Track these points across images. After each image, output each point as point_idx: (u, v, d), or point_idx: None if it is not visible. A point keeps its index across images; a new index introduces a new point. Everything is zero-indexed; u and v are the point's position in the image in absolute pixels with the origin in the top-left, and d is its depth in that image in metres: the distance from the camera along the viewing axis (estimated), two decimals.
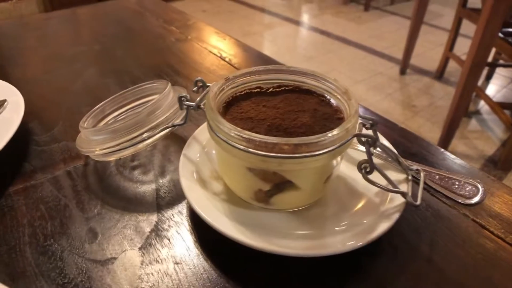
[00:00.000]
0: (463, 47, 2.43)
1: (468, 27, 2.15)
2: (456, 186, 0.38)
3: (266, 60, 0.77)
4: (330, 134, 0.31)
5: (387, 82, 2.50)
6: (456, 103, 1.78)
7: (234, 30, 3.08)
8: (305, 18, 3.62)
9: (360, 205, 0.38)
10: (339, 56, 2.83)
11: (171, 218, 0.40)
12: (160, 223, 0.39)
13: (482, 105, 2.25)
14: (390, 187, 0.35)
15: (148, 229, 0.39)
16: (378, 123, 0.35)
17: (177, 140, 0.51)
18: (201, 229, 0.38)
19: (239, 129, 0.31)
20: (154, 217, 0.40)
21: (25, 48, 0.84)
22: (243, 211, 0.37)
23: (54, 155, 0.49)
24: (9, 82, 0.59)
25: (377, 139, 0.33)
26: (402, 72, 2.61)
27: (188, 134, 0.48)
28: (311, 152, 0.30)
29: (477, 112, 2.22)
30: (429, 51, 2.90)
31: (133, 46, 0.84)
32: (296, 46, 3.02)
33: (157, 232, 0.38)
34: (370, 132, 0.36)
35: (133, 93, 0.50)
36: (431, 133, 2.02)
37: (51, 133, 0.54)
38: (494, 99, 2.10)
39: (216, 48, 0.82)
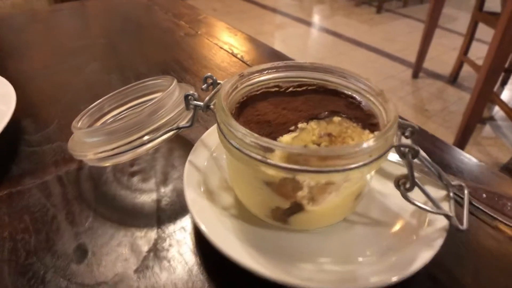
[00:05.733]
0: (478, 51, 2.35)
1: (484, 32, 2.08)
2: (509, 208, 0.32)
3: (280, 57, 0.72)
4: (365, 145, 0.25)
5: (400, 86, 2.43)
6: (471, 109, 1.71)
7: (244, 30, 3.01)
8: (317, 19, 3.55)
9: (395, 227, 0.32)
10: (351, 58, 2.76)
11: (172, 236, 0.34)
12: (160, 241, 0.34)
13: (497, 110, 2.18)
14: (431, 207, 0.30)
15: (145, 248, 0.33)
16: (417, 129, 0.30)
17: (183, 143, 0.46)
18: (207, 250, 0.32)
19: (256, 135, 0.26)
20: (153, 234, 0.35)
21: (28, 41, 0.79)
22: (257, 230, 0.32)
23: (46, 157, 0.44)
24: (6, 76, 0.54)
25: (419, 150, 0.28)
26: (415, 75, 2.54)
27: (196, 137, 0.43)
28: (343, 166, 0.25)
29: (491, 118, 2.15)
30: (442, 55, 2.83)
31: (140, 40, 0.80)
32: (307, 47, 2.96)
33: (156, 252, 0.33)
34: (409, 141, 0.30)
35: (135, 90, 0.45)
36: (444, 138, 1.93)
37: (44, 132, 0.49)
38: (510, 105, 2.03)
39: (227, 44, 0.76)
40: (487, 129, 2.05)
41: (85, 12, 0.98)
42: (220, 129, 0.29)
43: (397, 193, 0.29)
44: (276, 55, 0.73)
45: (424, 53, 2.44)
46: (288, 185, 0.27)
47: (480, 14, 2.08)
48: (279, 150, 0.25)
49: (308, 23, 3.40)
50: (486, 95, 1.69)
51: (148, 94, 0.45)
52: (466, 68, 2.40)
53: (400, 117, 0.30)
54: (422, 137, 0.48)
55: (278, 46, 2.87)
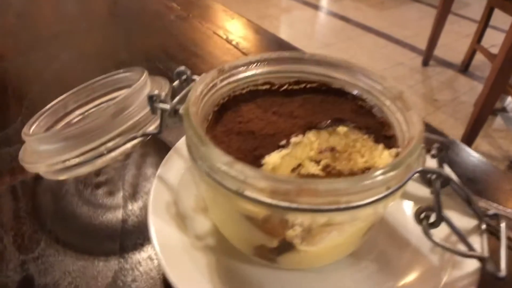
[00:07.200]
0: (492, 39, 2.24)
1: (500, 18, 1.97)
2: None
3: (282, 45, 0.64)
4: (380, 177, 0.18)
5: (409, 74, 2.34)
6: (483, 100, 1.62)
7: (249, 12, 2.91)
8: (324, 2, 3.42)
9: (411, 267, 0.25)
10: (359, 43, 2.66)
11: (136, 267, 0.28)
12: (121, 274, 0.28)
13: (509, 101, 2.09)
14: (460, 246, 0.23)
15: (104, 283, 0.27)
16: (448, 144, 0.23)
17: (158, 147, 0.39)
18: None
19: (230, 158, 0.19)
20: (114, 264, 0.28)
21: (3, 25, 0.72)
22: (237, 267, 0.25)
23: (1, 163, 0.38)
24: None
25: (450, 178, 0.21)
26: (425, 63, 2.43)
27: (175, 139, 0.36)
28: (349, 203, 0.18)
29: (504, 110, 2.05)
30: (454, 42, 2.72)
31: (126, 24, 0.72)
32: (314, 31, 2.85)
33: None
34: (434, 162, 0.23)
35: (103, 85, 0.38)
36: (454, 130, 1.87)
37: (3, 133, 0.42)
38: None
39: (222, 28, 0.69)
40: (499, 121, 1.96)
41: None
42: (187, 144, 0.22)
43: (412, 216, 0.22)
44: (277, 43, 0.66)
45: (435, 40, 2.33)
46: (274, 222, 0.21)
47: (497, 0, 1.97)
48: (259, 181, 0.18)
49: (316, 7, 3.29)
50: (500, 86, 1.60)
51: (118, 89, 0.38)
52: (478, 57, 2.30)
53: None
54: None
55: (283, 30, 2.78)
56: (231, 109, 0.27)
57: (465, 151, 0.41)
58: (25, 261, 0.29)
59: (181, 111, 0.25)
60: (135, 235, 0.30)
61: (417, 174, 0.21)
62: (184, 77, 0.29)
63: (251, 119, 0.25)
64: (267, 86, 0.29)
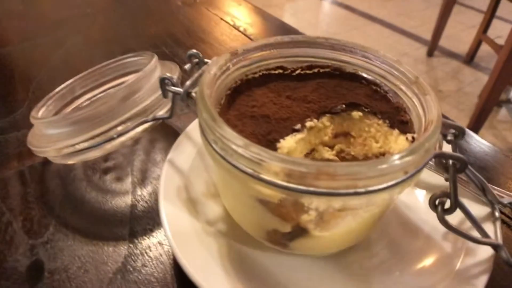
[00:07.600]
0: (498, 30, 2.22)
1: (506, 9, 1.95)
2: None
3: (290, 31, 0.63)
4: (398, 161, 0.18)
5: (413, 64, 2.32)
6: (489, 91, 1.61)
7: (253, 1, 2.90)
8: None
9: (423, 254, 0.25)
10: (364, 33, 2.63)
11: (146, 252, 0.28)
12: (130, 259, 0.28)
13: None
14: (475, 233, 0.23)
15: (113, 268, 0.27)
16: (464, 131, 0.23)
17: (167, 132, 0.39)
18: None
19: (246, 141, 0.18)
20: (123, 249, 0.28)
21: (6, 11, 0.71)
22: (249, 252, 0.25)
23: (9, 147, 0.38)
24: None
25: (467, 163, 0.20)
26: (430, 54, 2.41)
27: (183, 125, 0.36)
28: (366, 187, 0.18)
29: (508, 101, 2.04)
30: (459, 32, 2.69)
31: (131, 10, 0.71)
32: (319, 21, 2.83)
33: (124, 274, 0.27)
34: (449, 147, 0.23)
35: (112, 69, 0.38)
36: (458, 121, 1.81)
37: (11, 117, 0.42)
38: None
39: (229, 15, 0.68)
40: (503, 112, 1.95)
41: None
42: (200, 127, 0.22)
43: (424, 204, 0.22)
44: (285, 29, 0.65)
45: (441, 30, 2.30)
46: (289, 206, 0.20)
47: None
48: (276, 163, 0.18)
49: None
50: (505, 77, 1.58)
51: (127, 74, 0.37)
52: (484, 48, 2.27)
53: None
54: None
55: (288, 19, 2.74)
56: (244, 93, 0.26)
57: (474, 139, 0.40)
58: (35, 245, 0.29)
59: (194, 93, 0.25)
60: (144, 220, 0.30)
61: (431, 160, 0.20)
62: (195, 60, 0.29)
63: (265, 103, 0.25)
64: (279, 71, 0.28)
